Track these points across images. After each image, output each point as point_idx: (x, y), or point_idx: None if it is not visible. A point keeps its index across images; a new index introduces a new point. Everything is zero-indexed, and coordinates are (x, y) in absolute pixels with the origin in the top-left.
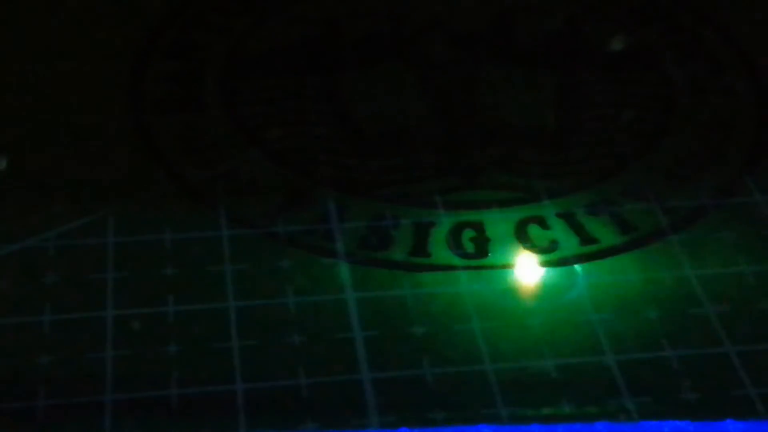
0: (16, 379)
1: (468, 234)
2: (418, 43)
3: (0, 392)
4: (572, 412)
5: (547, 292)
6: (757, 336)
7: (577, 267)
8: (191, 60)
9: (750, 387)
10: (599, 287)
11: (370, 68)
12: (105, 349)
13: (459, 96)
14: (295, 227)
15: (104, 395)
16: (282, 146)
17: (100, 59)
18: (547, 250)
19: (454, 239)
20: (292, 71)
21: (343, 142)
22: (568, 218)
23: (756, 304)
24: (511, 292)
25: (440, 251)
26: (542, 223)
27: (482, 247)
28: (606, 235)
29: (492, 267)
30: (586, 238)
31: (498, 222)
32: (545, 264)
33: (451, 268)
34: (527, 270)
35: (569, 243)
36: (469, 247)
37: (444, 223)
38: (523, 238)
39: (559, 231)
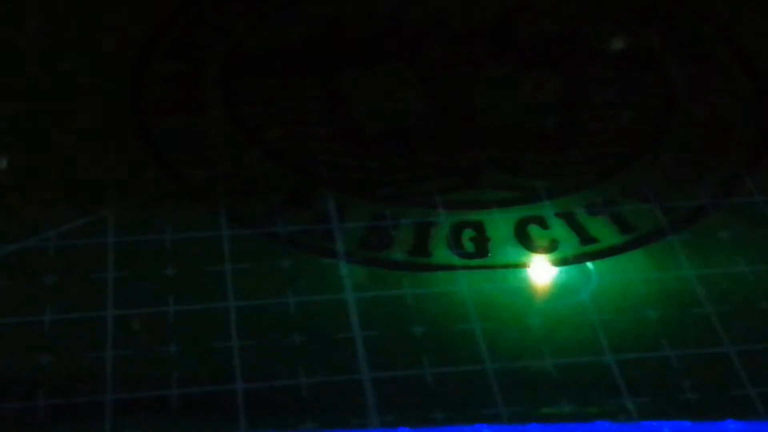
0: (16, 379)
1: (468, 234)
2: (418, 43)
3: (1, 392)
4: (572, 411)
5: (547, 291)
6: (757, 336)
7: (580, 266)
8: (191, 60)
9: (750, 387)
10: (599, 287)
11: (371, 68)
12: (105, 349)
13: (459, 96)
14: (296, 227)
15: (104, 395)
16: (282, 146)
17: (100, 59)
18: (547, 250)
19: (454, 239)
20: (292, 71)
21: (344, 142)
22: (568, 218)
23: (756, 303)
24: (511, 292)
25: (440, 251)
26: (542, 222)
27: (482, 247)
28: (606, 234)
29: (492, 267)
30: (586, 238)
31: (498, 222)
32: (545, 264)
33: (451, 268)
34: (527, 270)
35: (569, 243)
36: (469, 247)
37: (444, 223)
38: (523, 238)
39: (559, 231)
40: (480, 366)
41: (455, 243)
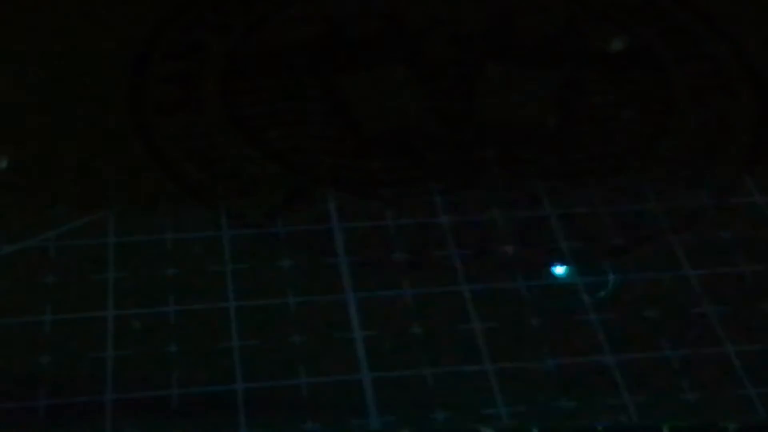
0: (16, 379)
1: (468, 234)
2: (418, 43)
3: (1, 392)
4: (572, 411)
5: (547, 292)
6: (756, 336)
7: (580, 266)
8: (191, 60)
9: (749, 387)
10: (599, 287)
11: (370, 68)
12: (105, 349)
13: (459, 96)
14: (296, 227)
15: (105, 395)
16: (282, 146)
17: (100, 59)
18: (547, 250)
19: (454, 239)
20: (292, 71)
21: (343, 142)
22: (569, 218)
23: (756, 304)
24: (510, 292)
25: (440, 251)
26: (542, 223)
27: (482, 246)
28: (606, 235)
29: (492, 267)
30: (586, 238)
31: (498, 222)
32: (545, 264)
33: (451, 268)
34: (527, 270)
35: (569, 243)
36: (470, 248)
37: (444, 223)
38: (523, 237)
39: (559, 231)
40: (480, 366)
41: (455, 243)
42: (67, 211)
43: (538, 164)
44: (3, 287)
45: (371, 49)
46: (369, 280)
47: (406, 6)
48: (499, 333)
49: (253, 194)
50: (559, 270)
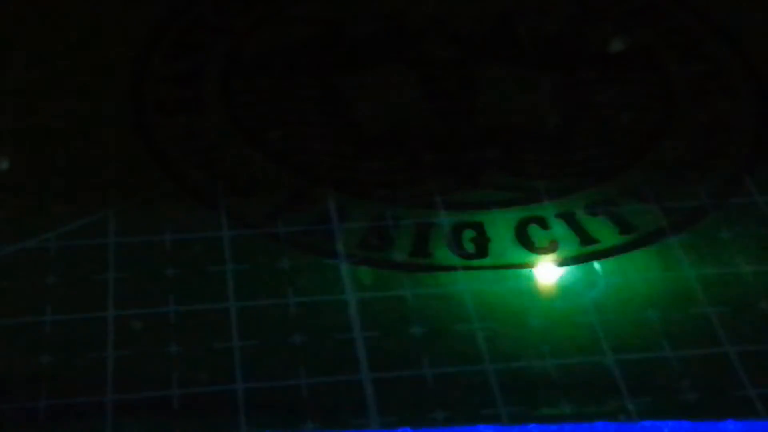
0: (17, 379)
1: (468, 234)
2: (418, 44)
3: (1, 392)
4: (572, 412)
5: (547, 292)
6: (756, 336)
7: (581, 266)
8: (192, 60)
9: (749, 387)
10: (599, 288)
11: (371, 69)
12: (106, 349)
13: (459, 96)
14: (296, 227)
15: (105, 395)
16: (282, 146)
17: (100, 59)
18: (547, 251)
19: (455, 239)
20: (293, 72)
21: (344, 142)
22: (568, 218)
23: (756, 304)
24: (511, 293)
25: (441, 252)
26: (542, 223)
27: (482, 247)
28: (606, 235)
29: (492, 267)
30: (586, 239)
31: (498, 222)
32: (545, 264)
33: (451, 268)
34: (527, 270)
35: (569, 243)
36: (470, 248)
37: (444, 223)
38: (523, 238)
39: (560, 231)
40: (480, 366)
41: (455, 243)
42: (68, 212)
43: (538, 164)
44: (3, 287)
45: (371, 49)
46: (369, 280)
47: (406, 6)
48: (499, 333)
49: (253, 194)
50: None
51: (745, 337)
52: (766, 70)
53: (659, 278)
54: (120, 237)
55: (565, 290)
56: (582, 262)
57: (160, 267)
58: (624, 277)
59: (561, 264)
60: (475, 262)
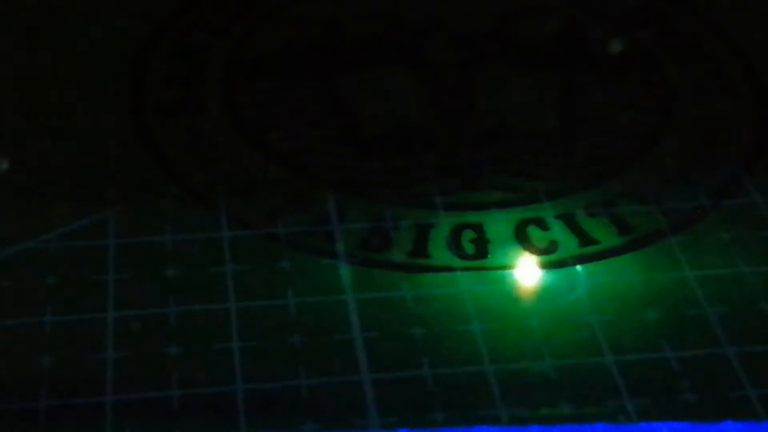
0: (17, 380)
1: (468, 235)
2: (418, 45)
3: (1, 393)
4: (571, 413)
5: (546, 293)
6: (756, 337)
7: (577, 268)
8: (192, 61)
9: (749, 388)
10: (599, 288)
11: (371, 69)
12: (106, 350)
13: (459, 97)
14: (296, 228)
15: (105, 396)
16: (282, 147)
17: (101, 60)
18: (546, 252)
19: (454, 240)
20: (293, 73)
21: (344, 143)
22: (568, 219)
23: (755, 304)
24: (510, 294)
25: (440, 252)
26: (542, 224)
27: (482, 248)
28: (605, 236)
29: (492, 268)
30: (585, 240)
31: (498, 223)
32: (545, 265)
33: (451, 269)
34: (527, 271)
35: (569, 244)
36: (469, 249)
37: (444, 224)
38: (522, 239)
39: (559, 232)
40: (480, 367)
41: (455, 244)
42: (68, 212)
43: (538, 165)
44: (3, 288)
45: (371, 50)
46: (369, 281)
47: (406, 6)
48: (499, 334)
49: (252, 195)
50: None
51: (744, 337)
52: (766, 70)
53: (659, 279)
54: (120, 238)
55: (565, 291)
56: (582, 263)
57: (160, 267)
58: (623, 278)
59: (561, 265)
60: (475, 264)
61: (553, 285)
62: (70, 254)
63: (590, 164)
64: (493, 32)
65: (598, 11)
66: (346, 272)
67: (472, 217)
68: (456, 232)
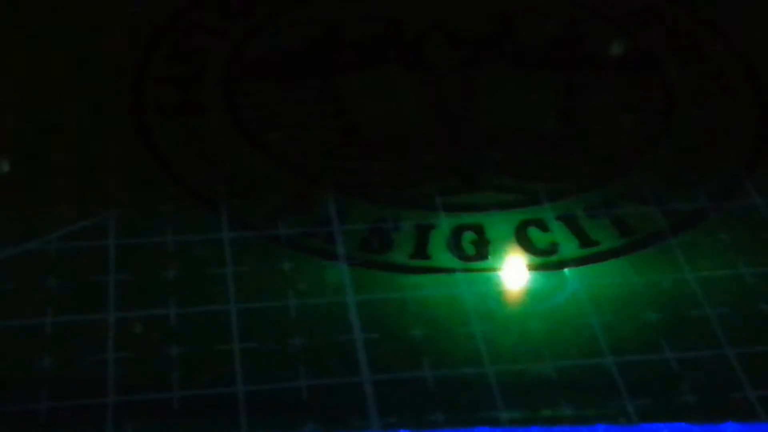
0: (18, 382)
1: (468, 236)
2: (418, 46)
3: (2, 394)
4: (572, 414)
5: (547, 294)
6: (756, 338)
7: (577, 269)
8: (192, 62)
9: (749, 389)
10: (599, 289)
11: (371, 71)
12: (107, 351)
13: (459, 98)
14: (296, 229)
15: (106, 397)
16: (283, 149)
17: (101, 61)
18: (547, 253)
19: (455, 242)
20: (293, 74)
21: (344, 144)
22: (568, 221)
23: (755, 306)
24: (511, 295)
25: (440, 254)
26: (542, 225)
27: (482, 249)
28: (606, 237)
29: (492, 269)
30: (585, 241)
31: (498, 224)
32: (545, 266)
33: (451, 270)
34: (527, 272)
35: (569, 245)
36: (469, 250)
37: (444, 225)
38: (523, 240)
39: (559, 233)
40: (480, 368)
41: (455, 246)
42: (68, 214)
43: (538, 166)
44: (4, 289)
45: (371, 51)
46: (369, 282)
47: (406, 7)
48: (499, 335)
49: (253, 196)
50: None
51: (744, 339)
52: (766, 70)
53: (659, 280)
54: (121, 239)
55: (565, 292)
56: (582, 264)
57: (160, 269)
58: (624, 279)
59: (561, 266)
60: (475, 265)
61: (553, 286)
62: (71, 255)
63: (590, 165)
64: (493, 32)
65: (598, 12)
66: (346, 273)
67: (472, 219)
68: (456, 234)
